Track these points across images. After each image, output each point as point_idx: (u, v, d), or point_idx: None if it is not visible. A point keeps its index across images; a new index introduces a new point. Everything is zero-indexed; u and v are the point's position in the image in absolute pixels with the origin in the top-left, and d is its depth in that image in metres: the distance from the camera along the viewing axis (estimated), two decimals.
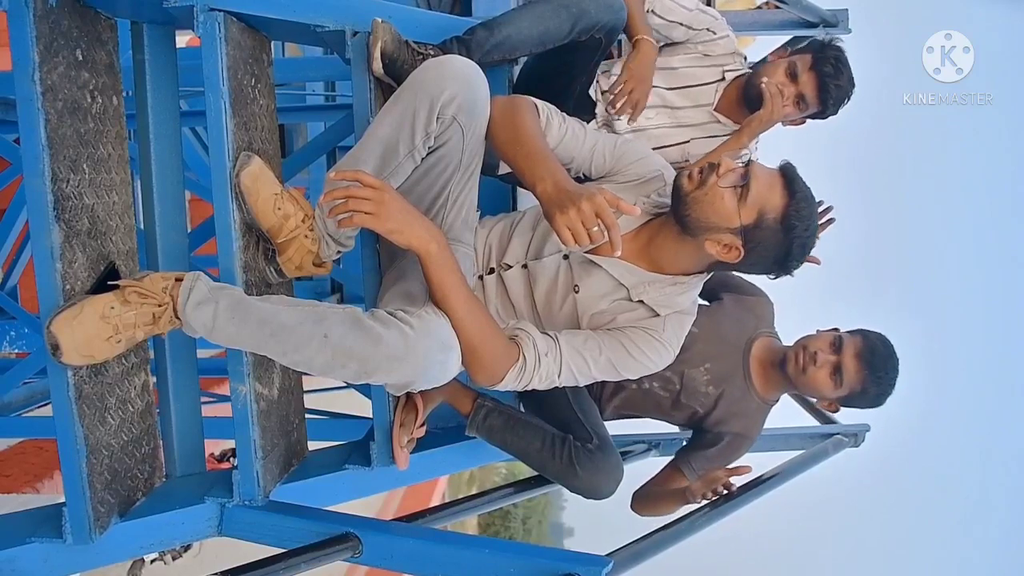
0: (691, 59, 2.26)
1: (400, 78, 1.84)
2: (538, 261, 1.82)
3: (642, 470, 2.51)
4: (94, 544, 1.59)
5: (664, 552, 1.81)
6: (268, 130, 1.92)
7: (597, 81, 2.23)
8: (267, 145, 1.89)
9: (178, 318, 1.56)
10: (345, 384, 2.95)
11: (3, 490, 4.35)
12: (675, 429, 2.60)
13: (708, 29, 2.24)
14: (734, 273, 2.17)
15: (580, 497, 1.97)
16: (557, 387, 1.75)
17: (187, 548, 4.87)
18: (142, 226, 1.93)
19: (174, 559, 4.92)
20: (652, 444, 2.71)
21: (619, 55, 2.50)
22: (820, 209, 2.08)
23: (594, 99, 2.25)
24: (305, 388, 2.12)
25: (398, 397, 1.98)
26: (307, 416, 2.14)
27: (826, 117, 2.26)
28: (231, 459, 4.73)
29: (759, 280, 2.22)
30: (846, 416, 2.84)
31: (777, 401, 2.38)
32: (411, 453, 1.97)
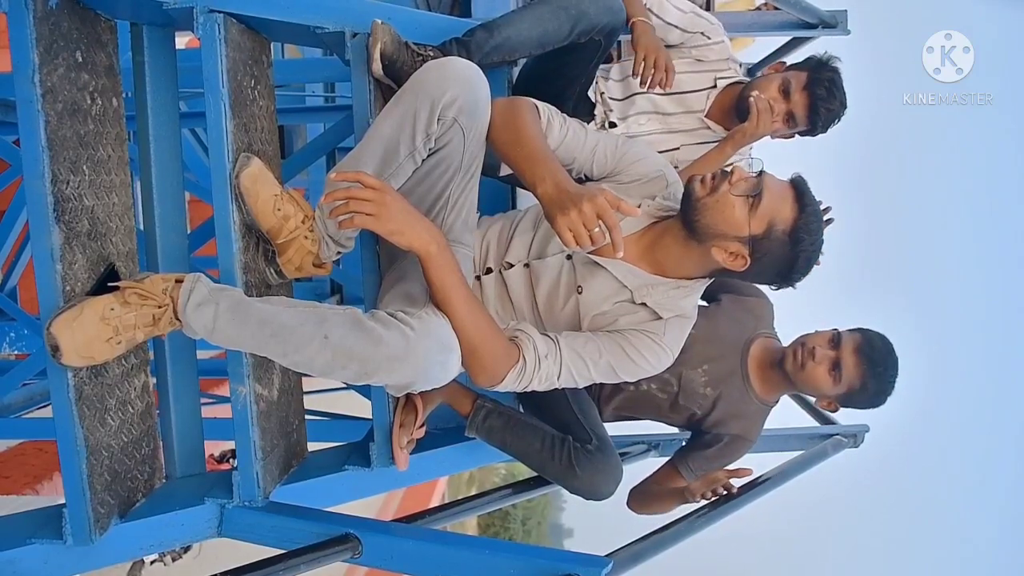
0: (684, 64, 2.26)
1: (400, 79, 1.84)
2: (541, 260, 1.83)
3: (641, 470, 2.51)
4: (94, 545, 1.59)
5: (664, 552, 1.81)
6: (268, 131, 1.92)
7: (596, 83, 2.23)
8: (267, 146, 1.90)
9: (178, 319, 1.56)
10: (345, 385, 2.96)
11: (3, 491, 4.35)
12: (674, 430, 2.60)
13: (703, 33, 2.24)
14: None
15: (580, 498, 1.97)
16: (556, 388, 1.76)
17: (187, 549, 4.87)
18: (142, 227, 1.93)
19: (174, 560, 4.92)
20: (652, 445, 2.72)
21: (618, 58, 2.50)
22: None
23: (593, 101, 2.25)
24: (305, 389, 2.12)
25: (397, 398, 1.98)
26: (307, 417, 2.14)
27: (815, 136, 2.27)
28: (231, 460, 4.73)
29: None
30: (845, 417, 2.84)
31: (776, 403, 2.37)
32: (411, 454, 1.97)
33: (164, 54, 1.89)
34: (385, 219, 1.49)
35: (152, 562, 4.75)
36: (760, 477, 2.28)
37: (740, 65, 2.34)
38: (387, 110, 1.68)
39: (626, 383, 2.25)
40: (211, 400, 3.94)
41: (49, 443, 4.49)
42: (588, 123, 2.23)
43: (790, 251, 1.64)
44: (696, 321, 1.85)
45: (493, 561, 1.53)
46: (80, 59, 1.64)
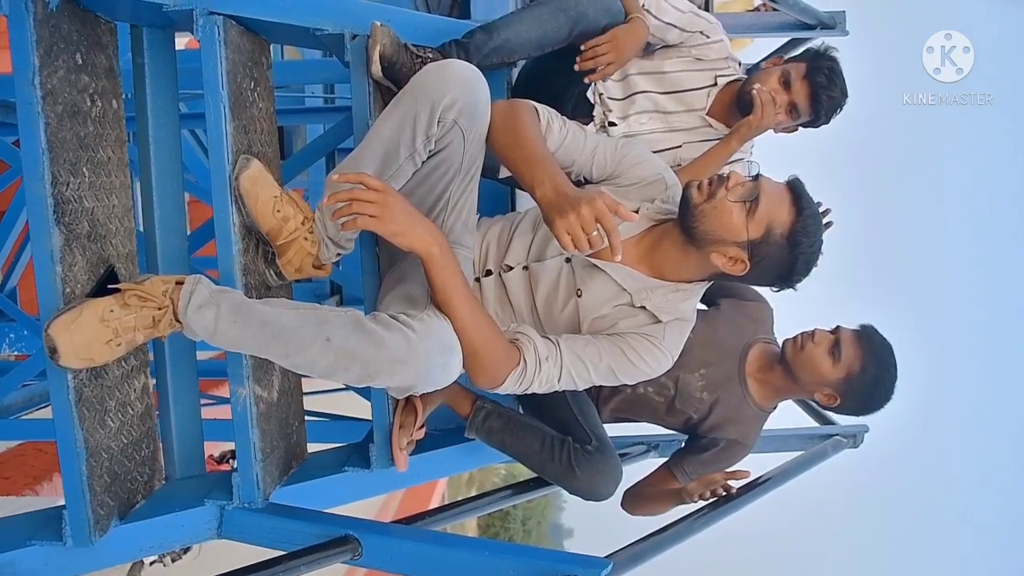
0: (684, 63, 2.26)
1: (399, 81, 1.85)
2: (540, 263, 1.83)
3: (641, 471, 2.51)
4: (94, 547, 1.59)
5: (663, 553, 1.82)
6: (267, 133, 1.92)
7: (595, 84, 2.23)
8: (266, 148, 1.90)
9: (178, 321, 1.56)
10: (344, 386, 2.96)
11: (2, 492, 4.35)
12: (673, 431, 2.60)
13: (702, 32, 2.24)
14: None
15: (579, 499, 1.97)
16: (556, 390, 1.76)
17: (187, 551, 4.87)
18: (142, 229, 1.93)
19: (173, 561, 4.92)
20: (651, 445, 2.72)
21: None
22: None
23: (592, 101, 2.25)
24: (304, 390, 2.12)
25: (397, 399, 1.99)
26: (306, 418, 2.14)
27: (818, 126, 2.26)
28: (231, 461, 4.73)
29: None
30: (845, 417, 2.85)
31: (774, 409, 2.36)
32: (410, 455, 1.97)
33: (164, 56, 1.89)
34: (388, 221, 1.49)
35: (152, 563, 4.75)
36: (760, 478, 2.27)
37: (739, 64, 2.34)
38: (387, 112, 1.69)
39: (624, 386, 2.25)
40: (211, 401, 3.94)
41: (49, 444, 4.49)
42: (587, 124, 2.23)
43: (789, 254, 1.64)
44: (695, 325, 1.85)
45: (493, 562, 1.53)
46: (80, 61, 1.64)
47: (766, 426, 2.37)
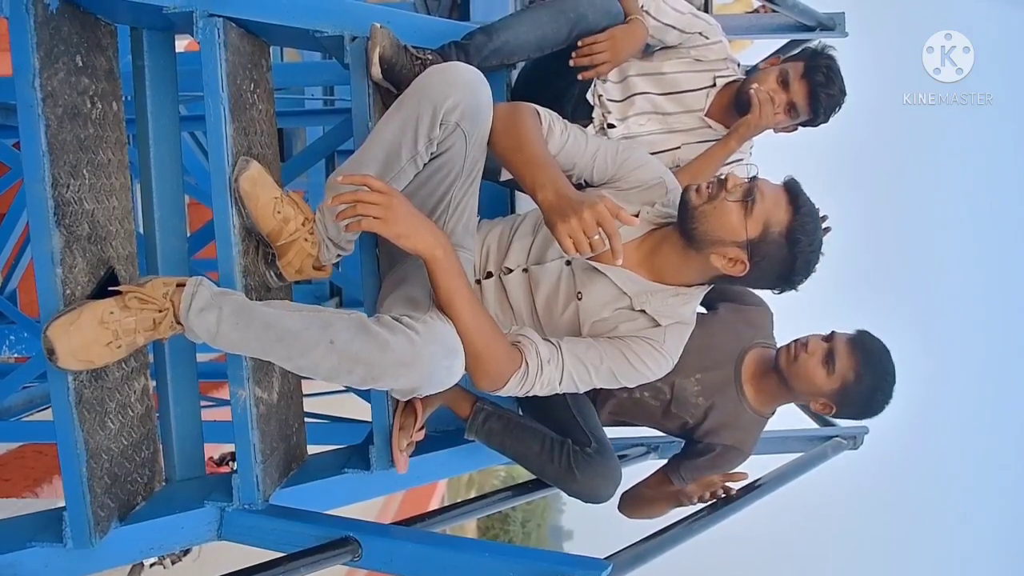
0: (683, 64, 2.26)
1: (399, 83, 1.85)
2: (540, 266, 1.83)
3: (641, 472, 2.51)
4: (94, 548, 1.59)
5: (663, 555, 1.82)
6: (267, 135, 1.92)
7: (594, 85, 2.24)
8: (266, 150, 1.90)
9: (179, 323, 1.56)
10: (344, 388, 2.96)
11: (2, 494, 4.35)
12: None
13: (701, 33, 2.24)
14: None
15: (579, 501, 1.97)
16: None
17: (187, 552, 4.86)
18: (142, 231, 1.93)
19: (173, 563, 4.92)
20: (651, 447, 2.72)
21: None
22: None
23: (591, 103, 2.25)
24: (304, 392, 2.12)
25: (398, 401, 1.99)
26: (306, 420, 2.14)
27: (817, 125, 2.26)
28: (230, 463, 4.73)
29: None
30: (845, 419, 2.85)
31: (772, 414, 2.35)
32: (410, 457, 1.98)
33: (164, 58, 1.89)
34: (392, 223, 1.49)
35: (152, 565, 4.74)
36: (759, 479, 2.27)
37: (738, 65, 2.34)
38: (389, 114, 1.69)
39: (620, 390, 2.24)
40: (211, 403, 3.94)
41: (49, 446, 4.49)
42: (586, 126, 2.23)
43: (788, 253, 1.65)
44: (692, 330, 1.85)
45: (493, 564, 1.53)
46: (80, 63, 1.64)
47: (766, 426, 2.36)
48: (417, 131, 1.63)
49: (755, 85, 2.15)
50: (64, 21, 1.59)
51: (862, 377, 2.10)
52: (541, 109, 1.81)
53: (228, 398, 1.76)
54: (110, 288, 1.61)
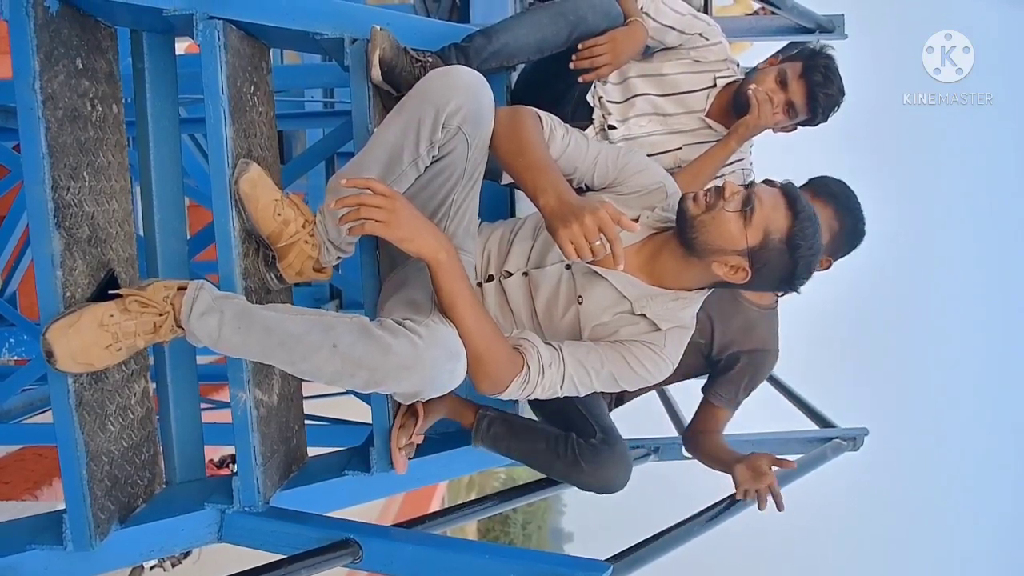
0: (683, 65, 2.26)
1: (399, 85, 1.85)
2: (540, 270, 1.83)
3: (640, 473, 2.49)
4: (95, 551, 1.59)
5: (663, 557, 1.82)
6: (267, 137, 1.92)
7: (594, 87, 2.24)
8: (266, 152, 1.90)
9: (180, 327, 1.56)
10: (345, 391, 2.96)
11: (2, 497, 4.35)
12: (674, 432, 2.59)
13: (700, 34, 2.24)
14: None
15: (592, 493, 1.96)
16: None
17: (187, 555, 4.87)
18: (142, 233, 1.93)
19: (174, 566, 4.92)
20: (652, 449, 2.72)
21: None
22: None
23: (592, 105, 2.26)
24: (304, 394, 2.12)
25: (399, 403, 1.99)
26: (306, 422, 2.14)
27: (816, 124, 2.27)
28: (230, 465, 4.73)
29: None
30: (845, 420, 2.84)
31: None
32: (410, 459, 1.98)
33: (164, 60, 1.89)
34: (395, 226, 1.49)
35: (152, 568, 4.75)
36: None
37: (738, 66, 2.34)
38: (391, 117, 1.69)
39: None
40: (211, 405, 3.94)
41: (48, 449, 4.50)
42: (586, 127, 2.23)
43: (789, 258, 1.65)
44: None
45: (493, 565, 1.53)
46: (80, 65, 1.64)
47: (765, 428, 2.36)
48: (419, 134, 1.63)
49: (753, 85, 2.15)
50: (64, 24, 1.59)
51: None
52: (542, 113, 1.81)
53: (228, 400, 1.76)
54: (110, 291, 1.61)
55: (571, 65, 2.07)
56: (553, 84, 2.21)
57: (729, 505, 2.09)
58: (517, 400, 2.12)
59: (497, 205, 2.28)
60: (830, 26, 3.02)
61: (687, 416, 2.50)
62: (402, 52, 1.86)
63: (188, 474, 1.96)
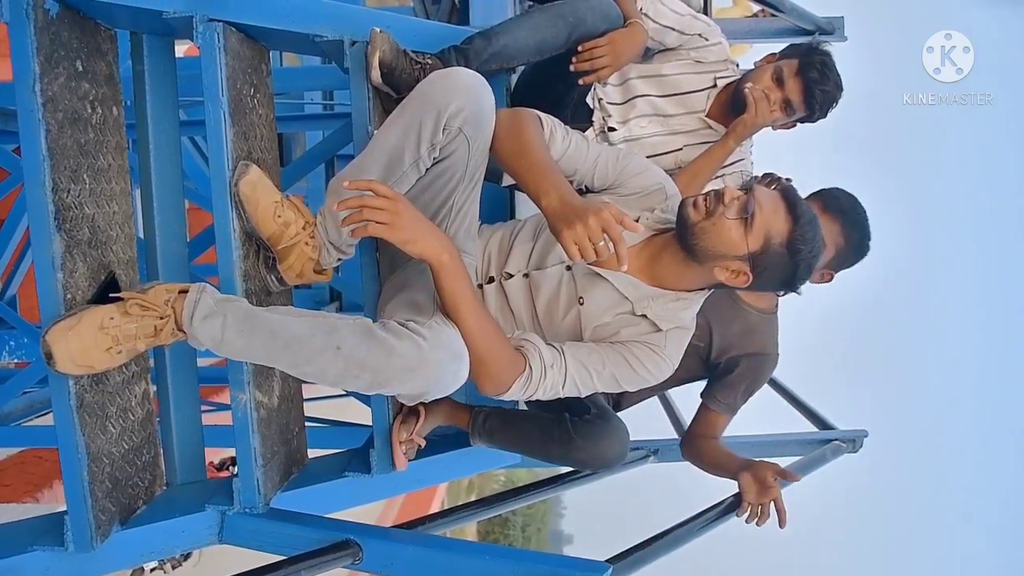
0: (683, 66, 2.26)
1: (398, 87, 1.85)
2: (540, 271, 1.83)
3: (641, 473, 2.49)
4: (96, 552, 1.59)
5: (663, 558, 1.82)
6: (267, 139, 1.93)
7: (594, 88, 2.24)
8: (266, 154, 1.91)
9: (181, 331, 1.57)
10: (344, 392, 2.97)
11: (3, 499, 4.36)
12: (673, 434, 2.59)
13: (700, 35, 2.24)
14: None
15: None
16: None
17: (187, 556, 4.88)
18: (142, 235, 1.94)
19: (174, 567, 4.93)
20: (651, 450, 2.72)
21: None
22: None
23: (592, 107, 2.26)
24: (305, 396, 2.12)
25: (400, 404, 1.99)
26: (307, 424, 2.15)
27: (815, 121, 2.26)
28: (230, 468, 4.74)
29: None
30: (844, 421, 2.85)
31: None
32: (411, 460, 1.98)
33: (164, 63, 1.90)
34: (398, 228, 1.49)
35: (152, 569, 4.76)
36: None
37: (738, 67, 2.34)
38: (392, 119, 1.69)
39: None
40: (211, 407, 3.95)
41: (49, 451, 4.50)
42: (586, 129, 2.23)
43: (790, 261, 1.66)
44: None
45: (493, 566, 1.53)
46: (80, 68, 1.65)
47: (766, 429, 2.35)
48: (420, 136, 1.63)
49: (750, 84, 2.15)
50: (64, 26, 1.60)
51: (850, 238, 2.15)
52: (543, 115, 1.81)
53: (229, 402, 1.76)
54: (111, 295, 1.61)
55: (571, 67, 2.08)
56: (553, 86, 2.21)
57: (729, 507, 2.09)
58: (516, 402, 2.12)
59: (497, 207, 2.29)
60: (830, 28, 3.03)
61: (686, 418, 2.49)
62: (402, 54, 1.86)
63: (189, 476, 1.96)
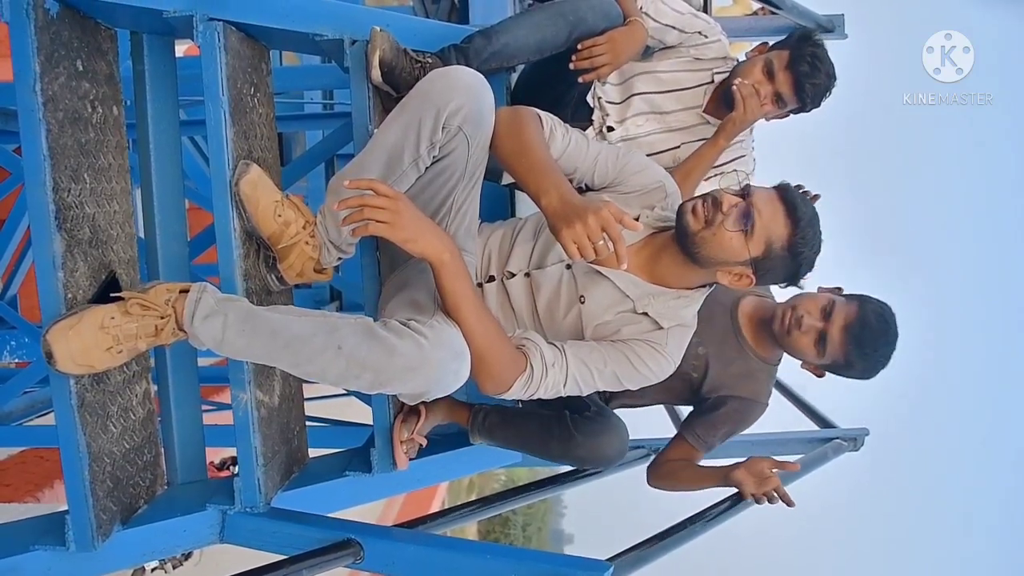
0: (682, 63, 2.26)
1: (398, 86, 1.85)
2: (541, 270, 1.83)
3: (641, 473, 2.49)
4: (97, 552, 1.59)
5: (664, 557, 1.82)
6: (267, 138, 1.93)
7: (594, 87, 2.24)
8: (266, 154, 1.90)
9: (182, 330, 1.57)
10: (345, 392, 2.97)
11: (4, 499, 4.36)
12: (673, 433, 2.58)
13: (700, 33, 2.24)
14: None
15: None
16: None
17: (188, 556, 4.88)
18: (143, 235, 1.94)
19: (175, 567, 4.93)
20: (652, 449, 2.72)
21: None
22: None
23: (591, 106, 2.26)
24: (305, 396, 2.12)
25: (401, 404, 1.99)
26: (307, 423, 2.14)
27: (808, 111, 2.25)
28: (231, 467, 4.74)
29: None
30: (845, 420, 2.85)
31: (779, 361, 2.28)
32: (411, 460, 1.98)
33: (164, 62, 1.90)
34: (399, 227, 1.48)
35: (153, 569, 4.76)
36: None
37: (736, 63, 2.34)
38: (392, 118, 1.69)
39: None
40: (212, 407, 3.95)
41: (50, 451, 4.50)
42: (586, 128, 2.23)
43: (792, 262, 1.66)
44: None
45: (494, 565, 1.53)
46: (81, 68, 1.65)
47: (766, 429, 2.34)
48: (419, 134, 1.63)
49: (739, 80, 2.14)
50: (64, 26, 1.60)
51: (853, 362, 2.06)
52: (542, 113, 1.81)
53: (229, 402, 1.76)
54: (112, 294, 1.61)
55: (571, 66, 2.08)
56: (553, 85, 2.21)
57: (730, 505, 2.09)
58: (517, 401, 2.12)
59: (497, 205, 2.29)
60: (830, 26, 3.02)
61: (686, 415, 2.48)
62: (402, 53, 1.86)
63: (189, 475, 1.96)
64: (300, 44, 2.00)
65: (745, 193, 1.68)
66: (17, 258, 4.15)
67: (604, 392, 2.27)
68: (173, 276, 1.91)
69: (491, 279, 1.88)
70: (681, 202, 1.73)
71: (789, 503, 2.02)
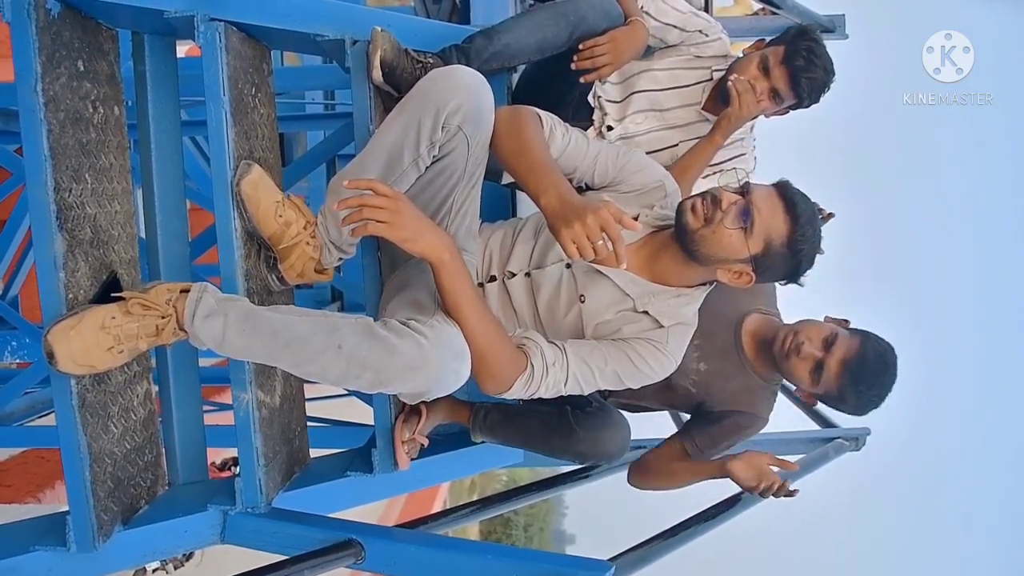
0: (682, 61, 2.26)
1: (400, 86, 1.85)
2: (541, 270, 1.83)
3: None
4: (98, 552, 1.59)
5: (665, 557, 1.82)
6: (268, 138, 1.93)
7: (595, 88, 2.24)
8: (267, 154, 1.91)
9: (182, 330, 1.57)
10: (346, 392, 2.97)
11: (5, 500, 4.36)
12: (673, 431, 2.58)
13: (700, 31, 2.23)
14: None
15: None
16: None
17: (189, 557, 4.88)
18: (144, 235, 1.94)
19: (176, 568, 4.93)
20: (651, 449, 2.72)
21: None
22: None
23: (592, 106, 2.26)
24: (306, 396, 2.12)
25: (402, 403, 1.99)
26: (309, 424, 2.14)
27: (807, 107, 2.24)
28: (232, 468, 4.74)
29: None
30: (846, 420, 2.85)
31: (780, 382, 2.26)
32: (413, 460, 1.98)
33: (165, 63, 1.90)
34: (399, 227, 1.48)
35: (155, 570, 4.76)
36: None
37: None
38: (391, 117, 1.69)
39: None
40: (213, 408, 3.94)
41: (51, 452, 4.50)
42: (587, 128, 2.23)
43: (791, 259, 1.66)
44: None
45: (495, 565, 1.53)
46: (82, 68, 1.65)
47: (767, 428, 2.33)
48: (419, 134, 1.63)
49: (735, 76, 2.14)
50: (65, 26, 1.60)
51: (846, 397, 2.06)
52: (542, 112, 1.81)
53: (230, 402, 1.76)
54: (113, 294, 1.61)
55: (572, 65, 2.08)
56: (554, 85, 2.21)
57: (730, 505, 2.09)
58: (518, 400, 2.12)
59: (498, 205, 2.29)
60: (831, 26, 3.02)
61: (686, 415, 2.47)
62: (403, 53, 1.86)
63: (190, 476, 1.96)
64: (301, 44, 2.00)
65: (744, 190, 1.68)
66: (18, 258, 4.15)
67: (604, 392, 2.27)
68: (174, 276, 1.91)
69: (492, 279, 1.88)
70: (680, 200, 1.74)
71: (790, 494, 2.02)
